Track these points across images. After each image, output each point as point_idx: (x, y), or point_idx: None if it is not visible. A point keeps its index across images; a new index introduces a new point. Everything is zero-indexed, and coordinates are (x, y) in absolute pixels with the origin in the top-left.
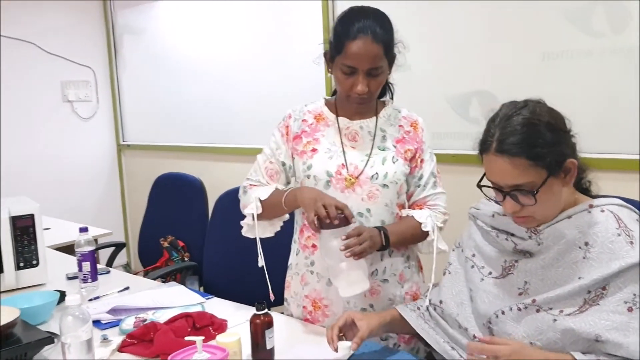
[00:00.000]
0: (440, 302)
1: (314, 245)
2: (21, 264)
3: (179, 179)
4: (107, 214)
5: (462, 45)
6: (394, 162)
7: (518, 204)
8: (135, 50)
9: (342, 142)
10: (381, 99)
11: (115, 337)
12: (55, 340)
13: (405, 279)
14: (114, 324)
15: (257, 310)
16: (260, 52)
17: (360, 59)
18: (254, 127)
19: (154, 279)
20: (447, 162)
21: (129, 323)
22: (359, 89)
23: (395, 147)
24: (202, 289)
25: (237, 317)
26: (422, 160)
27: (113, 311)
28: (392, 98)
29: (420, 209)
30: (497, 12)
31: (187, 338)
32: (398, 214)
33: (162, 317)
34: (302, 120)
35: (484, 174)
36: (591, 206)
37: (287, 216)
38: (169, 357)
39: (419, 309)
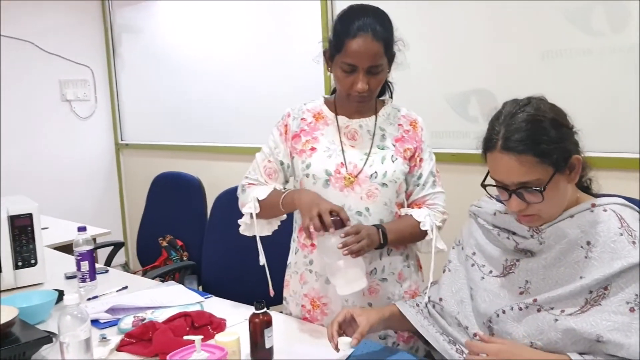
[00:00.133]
0: (440, 299)
1: (312, 244)
2: (19, 263)
3: (177, 178)
4: (105, 213)
5: (461, 44)
6: (393, 161)
7: (524, 202)
8: (134, 49)
9: (341, 141)
10: (380, 98)
11: (114, 337)
12: (54, 339)
13: (404, 278)
14: (113, 324)
15: (256, 309)
16: (259, 51)
17: (361, 57)
18: (253, 126)
19: (153, 279)
20: (447, 161)
21: (127, 322)
22: (360, 87)
23: (394, 146)
24: (200, 288)
25: (236, 316)
26: (421, 160)
27: (111, 310)
28: (391, 97)
29: (419, 208)
30: (497, 11)
31: (185, 337)
32: (397, 213)
33: (160, 316)
34: (301, 119)
35: (488, 173)
36: (594, 205)
37: (285, 216)
38: (168, 357)
39: (417, 305)
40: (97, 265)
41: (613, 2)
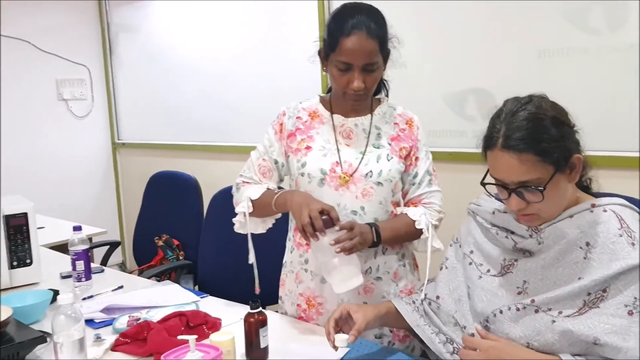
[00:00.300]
0: (438, 297)
1: (307, 244)
2: (15, 263)
3: (173, 178)
4: (102, 212)
5: (458, 43)
6: (388, 160)
7: (524, 201)
8: (131, 48)
9: (336, 140)
10: (376, 97)
11: (109, 336)
12: (48, 339)
13: (400, 277)
14: (108, 323)
15: (251, 308)
16: (255, 50)
17: (356, 55)
18: (250, 125)
19: (149, 278)
20: (444, 160)
21: (122, 322)
22: (355, 86)
23: (390, 144)
24: (197, 287)
25: (231, 315)
26: (417, 158)
27: (106, 310)
28: (387, 95)
29: (415, 206)
30: (494, 10)
31: (179, 337)
32: (393, 212)
33: (155, 316)
34: (297, 118)
35: (487, 171)
36: (593, 205)
37: (280, 214)
38: (162, 356)
39: (414, 302)
40: (92, 265)
41: (611, 2)
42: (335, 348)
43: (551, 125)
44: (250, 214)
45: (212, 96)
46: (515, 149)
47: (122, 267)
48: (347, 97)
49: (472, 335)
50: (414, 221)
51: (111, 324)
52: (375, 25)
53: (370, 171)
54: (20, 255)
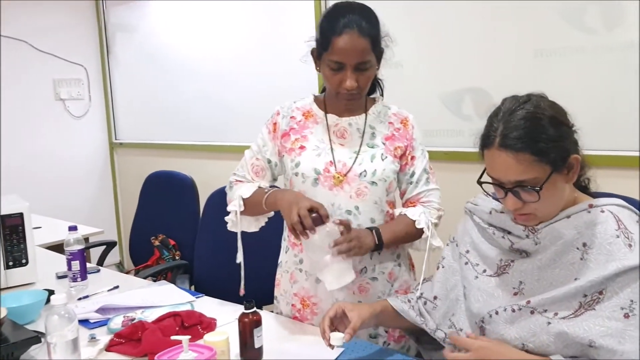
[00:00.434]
0: (435, 297)
1: (302, 243)
2: (10, 263)
3: (169, 177)
4: (99, 212)
5: (455, 43)
6: (382, 160)
7: (520, 201)
8: (128, 48)
9: (330, 140)
10: (371, 96)
11: (104, 337)
12: (42, 339)
13: (395, 277)
14: (103, 323)
15: (245, 308)
16: (253, 50)
17: (347, 54)
18: (247, 125)
19: (145, 278)
20: (440, 160)
21: (117, 322)
22: (348, 85)
23: (384, 144)
24: (193, 287)
25: (226, 315)
26: (412, 157)
27: (101, 310)
28: (382, 95)
29: (414, 206)
30: (490, 9)
31: (173, 337)
32: (389, 212)
33: (150, 316)
34: (291, 117)
35: (484, 170)
36: (591, 206)
37: (272, 212)
38: (156, 357)
39: (409, 301)
40: (88, 265)
41: (607, 2)
42: (331, 347)
43: (549, 125)
44: (242, 213)
45: (209, 96)
46: (513, 148)
47: (120, 267)
48: (340, 97)
49: (467, 336)
50: (414, 221)
51: (106, 324)
52: (367, 24)
53: (365, 171)
54: (16, 255)
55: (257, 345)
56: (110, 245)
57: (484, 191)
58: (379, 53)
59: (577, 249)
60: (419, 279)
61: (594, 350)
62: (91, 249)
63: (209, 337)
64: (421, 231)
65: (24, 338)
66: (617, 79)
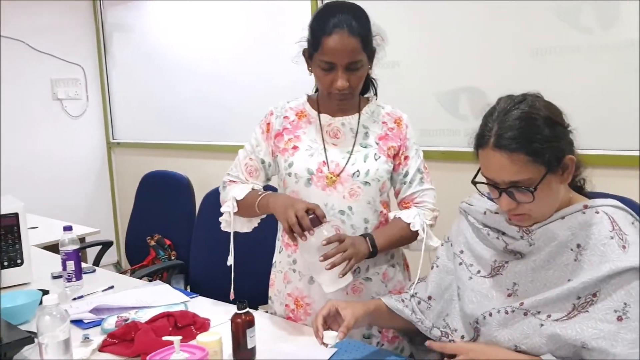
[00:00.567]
0: (429, 297)
1: (295, 244)
2: (5, 263)
3: (165, 177)
4: (97, 212)
5: (451, 42)
6: (376, 160)
7: (514, 202)
8: (125, 48)
9: (323, 140)
10: (364, 96)
11: (97, 337)
12: (36, 340)
13: (389, 278)
14: (97, 324)
15: (238, 309)
16: (250, 50)
17: (338, 54)
18: (243, 125)
19: (140, 278)
20: (436, 159)
21: (110, 322)
22: (339, 85)
23: (377, 144)
24: (188, 287)
25: (220, 315)
26: (406, 157)
27: (95, 310)
28: (375, 94)
29: (408, 207)
30: (486, 8)
31: (165, 338)
32: (382, 212)
33: (144, 316)
34: (284, 117)
35: (479, 170)
36: (586, 207)
37: (264, 214)
38: (148, 357)
39: (403, 301)
40: (84, 265)
41: (602, 1)
42: (325, 345)
43: (544, 125)
44: (235, 214)
45: (206, 96)
46: (507, 148)
47: (118, 266)
48: (332, 97)
49: (462, 337)
50: (408, 224)
51: (100, 325)
52: (357, 23)
53: (358, 171)
54: (11, 255)
55: (250, 346)
56: (106, 245)
57: (479, 191)
58: (370, 52)
59: (571, 250)
60: (413, 279)
61: (587, 352)
62: (88, 249)
63: (201, 338)
64: (416, 234)
65: (16, 338)
66: (613, 78)
